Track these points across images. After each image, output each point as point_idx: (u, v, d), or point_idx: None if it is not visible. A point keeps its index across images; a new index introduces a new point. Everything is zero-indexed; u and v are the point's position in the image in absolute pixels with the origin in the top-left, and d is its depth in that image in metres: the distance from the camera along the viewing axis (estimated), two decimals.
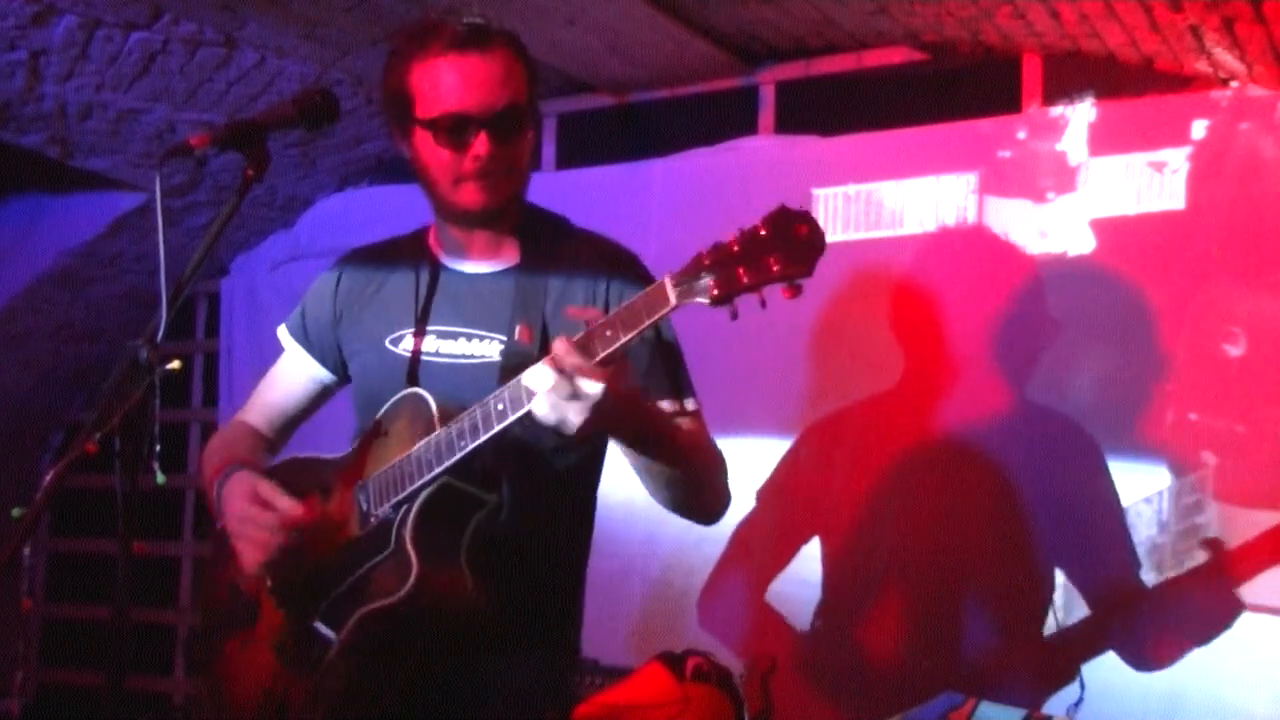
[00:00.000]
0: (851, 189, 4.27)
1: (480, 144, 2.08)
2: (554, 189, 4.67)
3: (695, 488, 2.14)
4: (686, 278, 1.78)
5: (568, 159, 4.89)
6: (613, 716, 3.27)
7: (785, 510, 4.27)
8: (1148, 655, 3.69)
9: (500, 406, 1.91)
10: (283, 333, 2.42)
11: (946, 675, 3.84)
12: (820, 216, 4.27)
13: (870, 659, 4.03)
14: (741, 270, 1.74)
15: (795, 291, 1.74)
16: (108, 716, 1.81)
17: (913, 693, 3.64)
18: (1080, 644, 3.77)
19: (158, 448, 1.80)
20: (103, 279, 5.32)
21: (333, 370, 2.37)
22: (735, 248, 1.76)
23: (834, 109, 4.43)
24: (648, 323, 1.82)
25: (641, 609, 4.44)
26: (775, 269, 1.73)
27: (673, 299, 1.79)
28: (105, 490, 1.99)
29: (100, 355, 5.73)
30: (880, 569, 4.10)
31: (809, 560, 4.20)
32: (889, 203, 4.21)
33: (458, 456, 1.95)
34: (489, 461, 2.01)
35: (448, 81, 2.09)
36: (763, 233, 1.75)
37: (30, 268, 5.21)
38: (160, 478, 1.84)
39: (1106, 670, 3.72)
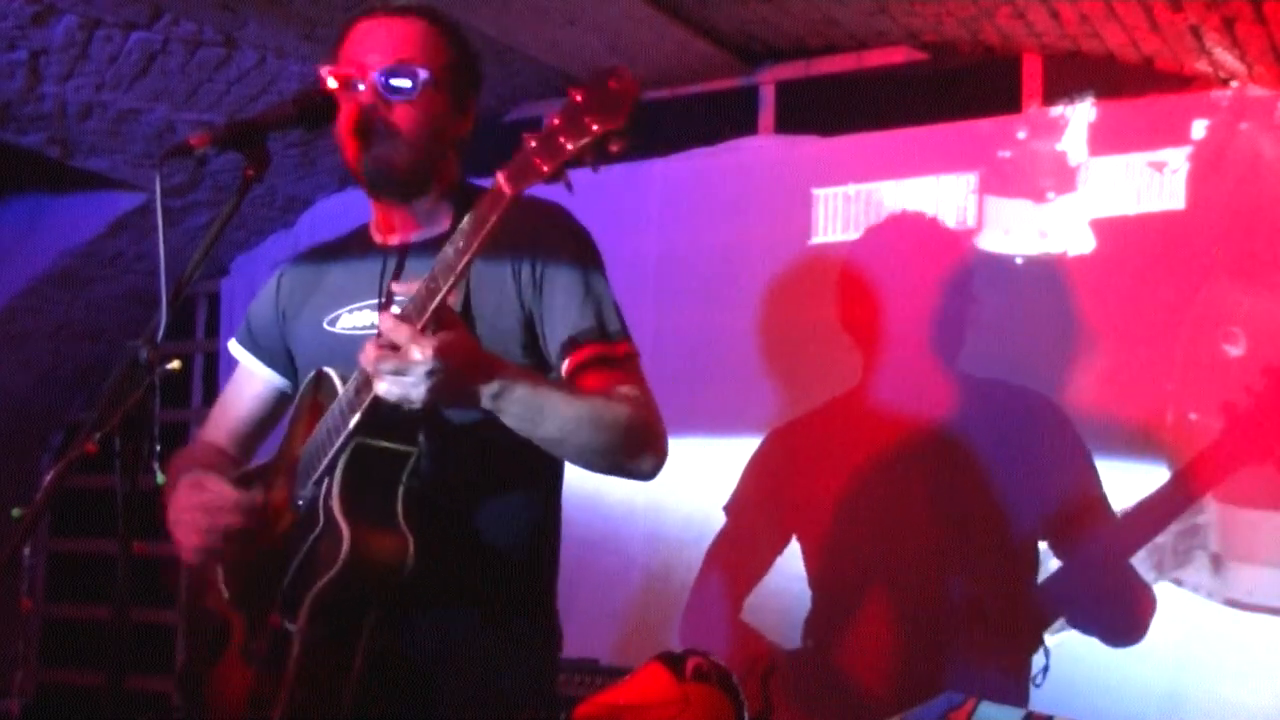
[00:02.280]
0: (851, 189, 4.27)
1: (365, 94, 2.08)
2: (553, 188, 4.71)
3: (602, 451, 2.02)
4: (516, 164, 1.76)
5: None
6: (613, 716, 3.27)
7: (760, 519, 4.26)
8: (1120, 620, 3.70)
9: None
10: (233, 345, 2.39)
11: (933, 666, 3.85)
12: (820, 216, 4.30)
13: (860, 656, 4.02)
14: (563, 139, 1.72)
15: (620, 145, 1.71)
16: (108, 716, 1.80)
17: (908, 687, 3.64)
18: (1052, 599, 3.78)
19: (158, 448, 1.79)
20: (103, 279, 5.32)
21: (285, 374, 2.33)
22: (556, 120, 1.74)
23: (834, 109, 4.43)
24: (493, 220, 1.77)
25: (642, 605, 4.44)
26: (594, 127, 1.69)
27: (507, 188, 1.77)
28: (105, 490, 1.99)
29: (100, 355, 5.73)
30: (862, 566, 4.10)
31: (786, 569, 4.19)
32: (889, 203, 4.21)
33: (359, 414, 1.89)
34: (399, 414, 1.92)
35: (356, 41, 2.14)
36: (578, 99, 1.72)
37: (30, 268, 5.21)
38: (160, 478, 1.84)
39: (1105, 670, 3.72)
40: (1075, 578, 3.79)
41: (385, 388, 1.80)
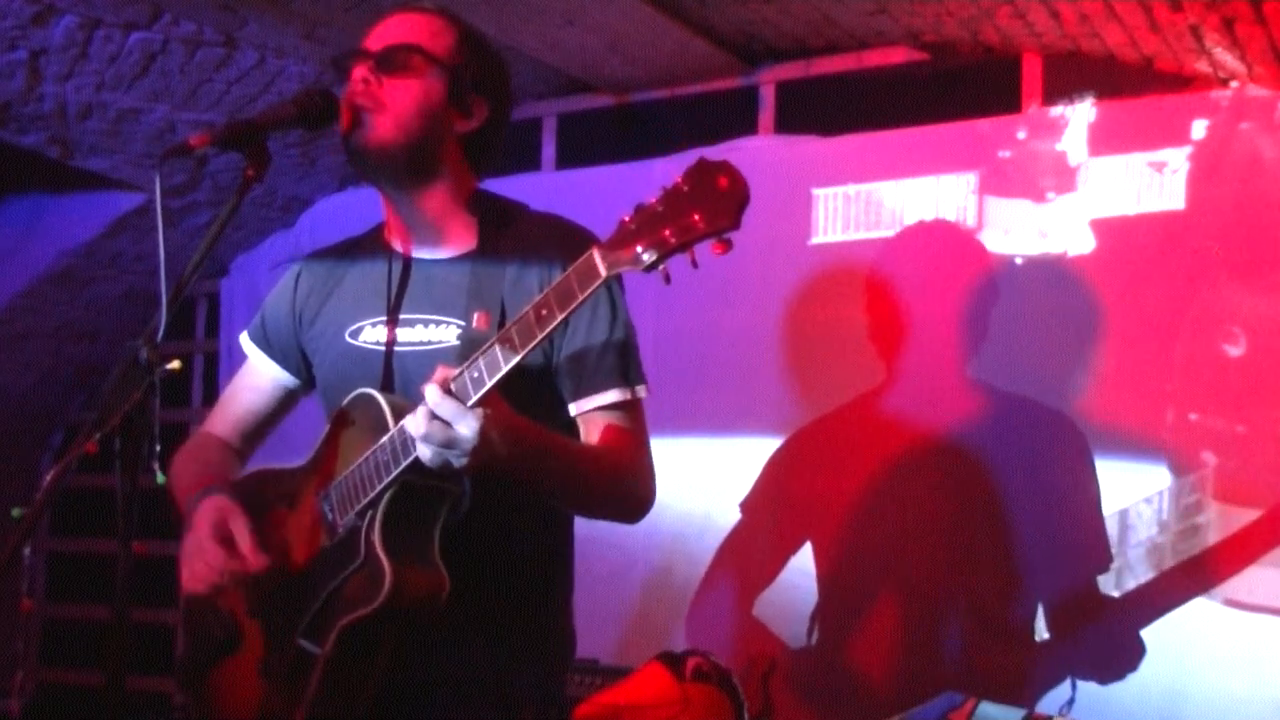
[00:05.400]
0: (851, 189, 4.28)
1: (360, 70, 2.10)
2: (554, 189, 4.73)
3: (593, 505, 2.13)
4: (614, 246, 1.74)
5: (568, 159, 4.89)
6: (613, 716, 3.27)
7: (772, 519, 4.26)
8: (1109, 670, 3.70)
9: None
10: (244, 341, 2.37)
11: (939, 675, 3.85)
12: (820, 216, 4.30)
13: (865, 661, 4.03)
14: (668, 231, 1.69)
15: (725, 246, 1.69)
16: (108, 716, 1.80)
17: (908, 694, 3.64)
18: (1060, 655, 3.78)
19: (158, 448, 1.79)
20: (103, 279, 5.32)
21: (295, 374, 2.33)
22: (659, 207, 1.71)
23: (834, 109, 4.43)
24: (581, 298, 1.77)
25: (642, 605, 4.44)
26: (701, 226, 1.67)
27: (603, 271, 1.75)
28: (105, 490, 1.99)
29: (100, 355, 5.73)
30: (871, 571, 4.10)
31: (797, 570, 4.19)
32: (889, 203, 4.21)
33: (414, 455, 1.90)
34: None
35: (371, 32, 2.17)
36: (684, 188, 1.70)
37: (30, 268, 5.21)
38: (160, 478, 1.84)
39: None
40: (1087, 644, 3.79)
41: (429, 456, 1.83)
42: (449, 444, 1.80)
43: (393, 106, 2.09)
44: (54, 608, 6.04)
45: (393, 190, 2.17)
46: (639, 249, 1.71)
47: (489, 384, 1.81)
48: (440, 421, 1.79)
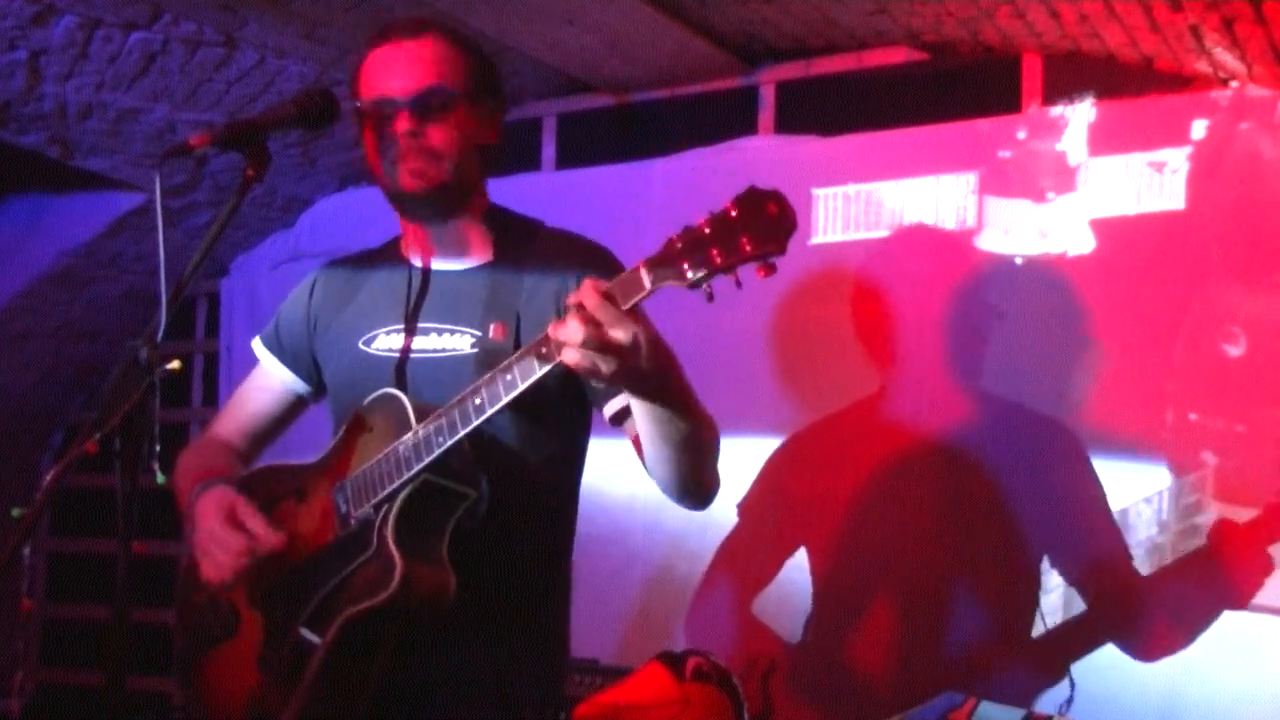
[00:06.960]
0: (851, 189, 4.28)
1: (401, 121, 2.10)
2: (554, 189, 4.73)
3: (703, 456, 2.09)
4: (660, 262, 1.78)
5: (567, 159, 4.89)
6: (613, 716, 3.27)
7: (771, 520, 4.26)
8: (1149, 646, 3.69)
9: (478, 401, 1.90)
10: (256, 345, 2.40)
11: (939, 676, 3.85)
12: (820, 216, 4.30)
13: (864, 662, 4.03)
14: (715, 251, 1.74)
15: (769, 270, 1.74)
16: (108, 716, 1.81)
17: (908, 694, 3.65)
18: (1074, 641, 3.78)
19: (158, 448, 1.80)
20: (103, 279, 5.32)
21: (306, 379, 2.35)
22: (706, 229, 1.75)
23: (834, 109, 4.43)
24: (625, 309, 1.80)
25: (643, 604, 4.44)
26: (748, 249, 1.72)
27: (647, 284, 1.79)
28: (105, 490, 1.99)
29: (100, 355, 5.73)
30: (870, 573, 4.11)
31: (795, 571, 4.20)
32: (889, 203, 4.21)
33: (436, 453, 1.93)
34: (467, 456, 2.00)
35: (378, 69, 2.15)
36: (733, 213, 1.74)
37: (30, 268, 5.21)
38: (160, 478, 1.84)
39: (1103, 670, 3.72)
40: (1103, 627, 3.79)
41: (576, 359, 1.80)
42: (605, 345, 1.78)
43: (446, 152, 2.12)
44: (54, 608, 6.04)
45: (434, 220, 2.20)
46: (685, 266, 1.76)
47: (630, 303, 1.81)
48: (593, 324, 1.78)
